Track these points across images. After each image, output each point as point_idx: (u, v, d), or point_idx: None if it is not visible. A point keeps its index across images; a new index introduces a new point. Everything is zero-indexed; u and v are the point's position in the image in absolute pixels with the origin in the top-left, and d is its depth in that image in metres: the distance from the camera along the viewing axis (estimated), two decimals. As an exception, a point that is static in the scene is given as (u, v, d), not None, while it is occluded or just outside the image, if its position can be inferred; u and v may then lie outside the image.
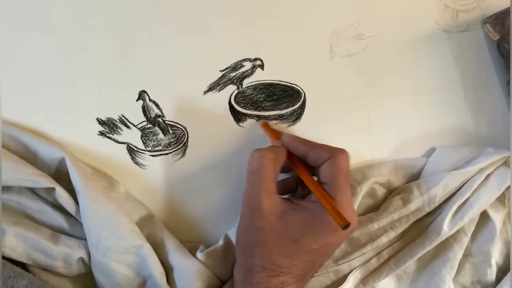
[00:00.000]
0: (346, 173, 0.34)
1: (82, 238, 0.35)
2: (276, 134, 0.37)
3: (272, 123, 0.39)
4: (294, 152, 0.35)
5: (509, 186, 0.38)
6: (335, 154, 0.34)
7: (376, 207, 0.40)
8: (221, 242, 0.38)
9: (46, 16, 0.38)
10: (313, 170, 0.36)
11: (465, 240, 0.39)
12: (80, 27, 0.38)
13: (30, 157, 0.35)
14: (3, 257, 0.32)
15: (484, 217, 0.39)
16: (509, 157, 0.39)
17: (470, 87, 0.42)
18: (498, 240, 0.39)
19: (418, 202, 0.38)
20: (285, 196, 0.36)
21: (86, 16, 0.38)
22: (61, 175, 0.35)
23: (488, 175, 0.38)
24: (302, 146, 0.35)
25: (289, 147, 0.35)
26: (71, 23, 0.38)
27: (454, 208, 0.38)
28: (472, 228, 0.39)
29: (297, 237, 0.33)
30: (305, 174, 0.34)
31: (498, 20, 0.40)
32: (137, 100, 0.38)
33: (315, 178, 0.35)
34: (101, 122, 0.37)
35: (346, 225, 0.31)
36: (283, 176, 0.38)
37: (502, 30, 0.40)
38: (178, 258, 0.35)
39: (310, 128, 0.40)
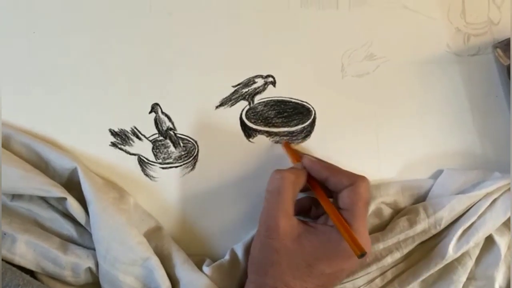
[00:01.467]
0: (366, 201, 0.34)
1: (91, 248, 0.35)
2: (297, 156, 0.38)
3: (282, 139, 0.40)
4: (315, 176, 0.36)
5: (514, 211, 0.38)
6: (357, 181, 0.34)
7: (382, 227, 0.40)
8: (227, 257, 0.38)
9: (62, 27, 0.38)
10: (331, 193, 0.36)
11: (470, 263, 0.39)
12: (94, 39, 0.39)
13: (42, 166, 0.36)
14: (13, 265, 0.33)
15: (489, 241, 0.39)
16: (516, 182, 0.40)
17: (478, 110, 0.43)
18: (502, 265, 0.39)
19: (425, 224, 0.38)
20: (303, 219, 0.36)
21: (100, 28, 0.39)
22: (72, 185, 0.35)
23: (494, 200, 0.39)
24: (324, 170, 0.36)
25: (310, 170, 0.36)
26: (86, 35, 0.38)
27: (460, 231, 0.38)
28: (477, 252, 0.39)
29: (312, 261, 0.33)
30: (324, 199, 0.35)
31: (509, 45, 0.41)
32: (150, 112, 0.38)
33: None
34: (113, 133, 0.38)
35: (362, 254, 0.31)
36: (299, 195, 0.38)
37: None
38: (185, 271, 0.35)
39: (319, 146, 0.40)
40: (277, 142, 0.40)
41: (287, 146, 0.39)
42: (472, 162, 0.42)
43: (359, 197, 0.34)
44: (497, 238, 0.39)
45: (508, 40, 0.41)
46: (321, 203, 0.35)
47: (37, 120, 0.37)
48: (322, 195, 0.35)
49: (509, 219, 0.39)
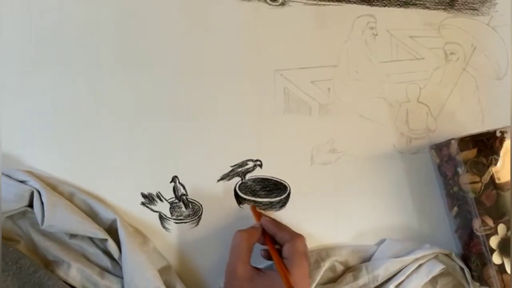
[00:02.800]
0: (301, 253, 0.45)
1: (120, 276, 0.49)
2: (259, 216, 0.50)
3: (263, 207, 0.54)
4: (268, 232, 0.48)
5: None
6: (294, 238, 0.46)
7: (335, 280, 0.52)
8: None
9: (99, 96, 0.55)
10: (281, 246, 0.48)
11: (400, 314, 0.51)
12: (130, 128, 0.54)
13: (92, 215, 0.50)
14: (66, 283, 0.47)
15: (416, 297, 0.51)
16: (440, 253, 0.52)
17: (417, 195, 0.56)
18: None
19: (365, 279, 0.51)
20: (255, 266, 0.47)
21: (135, 119, 0.55)
22: (112, 230, 0.50)
23: (420, 265, 0.51)
24: (273, 228, 0.47)
25: (265, 227, 0.48)
26: (121, 116, 0.55)
27: (392, 287, 0.50)
28: (406, 304, 0.51)
29: None
30: (272, 250, 0.46)
31: (439, 148, 0.55)
32: (170, 182, 0.53)
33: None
34: (144, 195, 0.53)
35: None
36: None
37: (441, 156, 0.54)
38: (184, 299, 0.49)
39: (292, 214, 0.54)
40: (262, 208, 0.54)
41: (253, 208, 0.51)
42: (410, 235, 0.55)
43: (296, 250, 0.45)
44: (422, 295, 0.51)
45: (440, 144, 0.54)
46: (270, 253, 0.47)
47: (91, 182, 0.52)
48: (270, 246, 0.47)
49: (436, 280, 0.51)
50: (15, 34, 0.54)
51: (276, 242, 0.48)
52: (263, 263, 0.50)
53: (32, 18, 0.54)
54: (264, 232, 0.48)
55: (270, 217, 0.50)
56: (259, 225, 0.49)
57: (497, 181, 0.50)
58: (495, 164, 0.50)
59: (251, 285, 0.45)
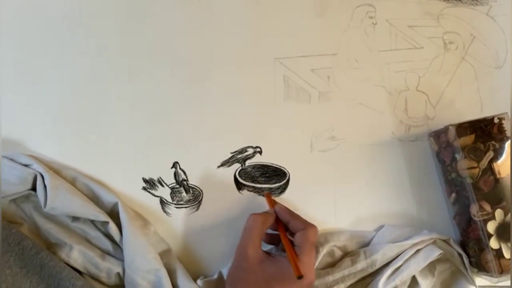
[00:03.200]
0: (312, 242, 0.46)
1: (121, 259, 0.50)
2: (272, 203, 0.51)
3: (263, 193, 0.55)
4: (281, 219, 0.49)
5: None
6: (307, 227, 0.47)
7: (333, 264, 0.53)
8: (215, 276, 0.51)
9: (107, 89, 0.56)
10: (292, 234, 0.49)
11: (398, 298, 0.51)
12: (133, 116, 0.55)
13: (94, 199, 0.51)
14: (68, 264, 0.48)
15: (414, 282, 0.51)
16: (438, 239, 0.52)
17: (415, 182, 0.56)
18: (424, 302, 0.51)
19: (363, 264, 0.51)
20: (267, 250, 0.49)
21: (139, 111, 0.56)
22: (113, 213, 0.51)
23: (418, 250, 0.51)
24: (287, 215, 0.48)
25: (278, 214, 0.49)
26: (125, 114, 0.56)
27: (389, 271, 0.50)
28: (404, 289, 0.51)
29: (269, 280, 0.45)
30: (283, 236, 0.47)
31: (437, 135, 0.55)
32: (171, 167, 0.54)
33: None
34: (145, 180, 0.54)
35: (299, 276, 0.43)
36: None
37: (439, 143, 0.55)
38: (184, 281, 0.49)
39: (291, 199, 0.54)
40: (260, 194, 0.55)
41: (268, 196, 0.52)
42: (408, 221, 0.55)
43: (307, 238, 0.46)
44: (420, 280, 0.51)
45: (438, 131, 0.55)
46: (281, 239, 0.48)
47: (95, 167, 0.53)
48: (282, 233, 0.48)
49: (433, 265, 0.52)
50: (21, 21, 0.55)
51: (287, 230, 0.49)
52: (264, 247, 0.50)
53: (38, 6, 0.55)
54: (277, 219, 0.49)
55: (283, 205, 0.51)
56: (273, 211, 0.49)
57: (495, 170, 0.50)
58: (493, 150, 0.50)
59: (260, 268, 0.45)
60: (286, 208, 0.51)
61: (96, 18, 0.56)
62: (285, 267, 0.45)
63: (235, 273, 0.47)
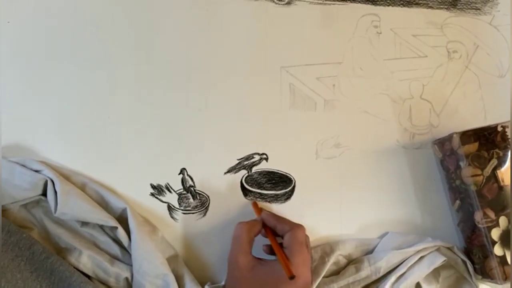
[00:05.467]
0: (301, 242, 0.46)
1: (129, 264, 0.50)
2: (259, 211, 0.52)
3: (269, 200, 0.55)
4: (268, 225, 0.50)
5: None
6: (294, 228, 0.47)
7: (337, 272, 0.53)
8: (223, 283, 0.52)
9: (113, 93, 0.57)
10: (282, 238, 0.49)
11: (402, 304, 0.51)
12: (139, 126, 0.56)
13: (104, 204, 0.52)
14: (77, 269, 0.49)
15: (419, 288, 0.52)
16: (441, 246, 0.53)
17: (420, 189, 0.57)
18: (429, 308, 0.51)
19: (367, 271, 0.52)
20: (257, 256, 0.48)
21: (146, 118, 0.57)
22: (122, 219, 0.51)
23: (422, 257, 0.52)
24: (272, 220, 0.49)
25: (265, 220, 0.50)
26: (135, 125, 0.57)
27: (393, 278, 0.51)
28: (408, 296, 0.52)
29: (262, 284, 0.45)
30: (272, 240, 0.48)
31: (441, 143, 0.56)
32: (179, 174, 0.55)
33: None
34: (153, 186, 0.54)
35: (291, 277, 0.44)
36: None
37: (443, 151, 0.55)
38: (192, 287, 0.50)
39: (297, 206, 0.55)
40: (266, 201, 0.55)
41: (255, 204, 0.53)
42: (413, 229, 0.56)
43: (295, 238, 0.46)
44: (424, 286, 0.51)
45: (443, 139, 0.55)
46: (270, 243, 0.49)
47: (103, 173, 0.54)
48: (270, 237, 0.48)
49: (438, 272, 0.52)
50: (30, 30, 0.56)
51: (277, 235, 0.50)
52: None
53: (47, 15, 0.56)
54: (264, 225, 0.50)
55: (269, 212, 0.52)
56: (259, 218, 0.51)
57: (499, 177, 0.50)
58: (496, 158, 0.51)
59: (252, 274, 0.46)
60: (272, 213, 0.51)
61: (106, 27, 0.57)
62: (277, 269, 0.46)
63: (231, 282, 0.47)
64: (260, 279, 0.46)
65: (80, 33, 0.57)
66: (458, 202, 0.54)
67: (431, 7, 0.60)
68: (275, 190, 0.55)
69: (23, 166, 0.51)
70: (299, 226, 0.48)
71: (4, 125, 0.54)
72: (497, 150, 0.51)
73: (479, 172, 0.51)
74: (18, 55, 0.56)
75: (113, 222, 0.50)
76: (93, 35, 0.57)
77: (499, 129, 0.52)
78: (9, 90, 0.55)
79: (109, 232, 0.52)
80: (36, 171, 0.51)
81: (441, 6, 0.60)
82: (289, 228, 0.48)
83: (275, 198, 0.55)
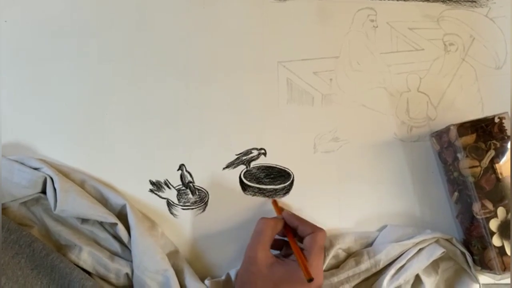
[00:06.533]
0: (321, 246, 0.47)
1: (129, 260, 0.51)
2: (280, 209, 0.52)
3: (268, 194, 0.55)
4: (289, 224, 0.50)
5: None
6: (316, 231, 0.48)
7: (337, 266, 0.53)
8: (223, 277, 0.52)
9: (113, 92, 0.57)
10: (300, 239, 0.50)
11: (402, 296, 0.52)
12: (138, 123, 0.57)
13: (103, 201, 0.52)
14: (78, 266, 0.49)
15: (418, 280, 0.52)
16: (440, 237, 0.53)
17: (418, 182, 0.57)
18: (429, 299, 0.52)
19: (367, 264, 0.52)
20: (276, 253, 0.50)
21: (145, 116, 0.57)
22: (121, 215, 0.52)
23: (421, 249, 0.52)
24: (295, 221, 0.50)
25: (286, 220, 0.50)
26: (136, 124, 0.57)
27: (393, 271, 0.51)
28: (408, 287, 0.52)
29: (278, 282, 0.45)
30: (292, 240, 0.48)
31: (439, 135, 0.56)
32: (178, 170, 0.55)
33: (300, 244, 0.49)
34: (152, 183, 0.55)
35: (310, 279, 0.44)
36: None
37: (441, 143, 0.55)
38: (192, 282, 0.50)
39: (296, 201, 0.55)
40: (265, 196, 0.55)
41: (274, 202, 0.53)
42: (411, 221, 0.56)
43: (316, 242, 0.47)
44: (424, 278, 0.51)
45: (440, 131, 0.56)
46: (290, 243, 0.49)
47: (102, 170, 0.54)
48: (291, 238, 0.49)
49: (437, 263, 0.52)
50: (32, 28, 0.56)
51: (295, 235, 0.50)
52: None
53: (45, 13, 0.56)
54: (285, 224, 0.50)
55: (290, 211, 0.52)
56: (281, 217, 0.51)
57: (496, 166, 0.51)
58: (494, 149, 0.51)
59: (269, 271, 0.46)
60: (293, 213, 0.52)
61: (104, 26, 0.57)
62: (294, 270, 0.46)
63: (244, 276, 0.47)
64: (276, 277, 0.46)
65: (79, 32, 0.57)
66: (456, 194, 0.54)
67: (427, 0, 0.60)
68: (274, 184, 0.56)
69: (22, 164, 0.51)
70: (321, 230, 0.48)
71: (2, 123, 0.54)
72: (494, 141, 0.51)
73: (477, 163, 0.51)
74: (16, 55, 0.56)
75: (112, 219, 0.50)
76: (92, 33, 0.57)
77: (496, 120, 0.52)
78: (7, 88, 0.55)
79: (109, 228, 0.52)
80: (35, 168, 0.51)
81: (437, -1, 0.60)
82: (311, 230, 0.48)
83: (274, 193, 0.55)
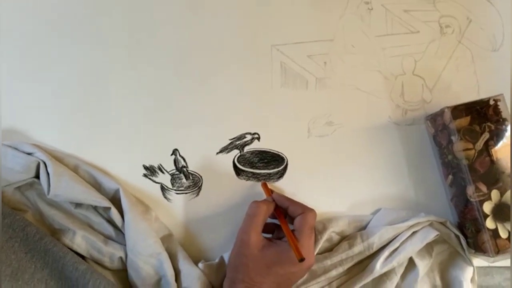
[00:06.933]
0: (311, 226, 0.48)
1: (123, 244, 0.51)
2: (269, 191, 0.52)
3: (262, 178, 0.55)
4: (280, 205, 0.50)
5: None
6: (306, 211, 0.48)
7: (331, 249, 0.53)
8: (217, 260, 0.52)
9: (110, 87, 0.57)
10: (291, 220, 0.50)
11: (395, 278, 0.51)
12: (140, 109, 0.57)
13: (96, 186, 0.52)
14: (71, 250, 0.49)
15: (412, 263, 0.52)
16: (434, 221, 0.53)
17: (413, 165, 0.56)
18: (421, 281, 0.51)
19: (360, 247, 0.52)
20: (267, 236, 0.50)
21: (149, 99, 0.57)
22: (115, 200, 0.52)
23: (415, 232, 0.52)
24: (286, 201, 0.50)
25: (277, 201, 0.50)
26: (137, 100, 0.57)
27: (386, 253, 0.51)
28: (402, 270, 0.52)
29: (270, 264, 0.46)
30: (283, 221, 0.49)
31: (434, 118, 0.55)
32: (171, 155, 0.55)
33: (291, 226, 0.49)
34: (145, 167, 0.55)
35: (301, 259, 0.44)
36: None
37: (435, 126, 0.55)
38: (185, 265, 0.50)
39: (289, 184, 0.55)
40: (259, 180, 0.55)
41: (264, 185, 0.53)
42: (406, 205, 0.55)
43: (306, 222, 0.47)
44: (417, 261, 0.51)
45: (435, 114, 0.55)
46: (280, 224, 0.49)
47: (95, 155, 0.54)
48: (282, 219, 0.49)
49: (431, 246, 0.52)
50: (23, 14, 0.56)
51: (286, 216, 0.50)
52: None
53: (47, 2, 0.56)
54: (275, 206, 0.50)
55: (280, 193, 0.52)
56: (271, 199, 0.51)
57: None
58: (488, 132, 0.51)
59: (261, 254, 0.47)
60: (283, 195, 0.52)
61: (98, 10, 0.57)
62: (286, 251, 0.46)
63: (237, 259, 0.48)
64: (268, 259, 0.46)
65: (72, 16, 0.56)
66: (450, 177, 0.54)
67: (423, -18, 0.59)
68: (268, 169, 0.55)
69: (15, 149, 0.51)
70: (311, 210, 0.49)
71: (-5, 109, 0.54)
72: (489, 123, 0.51)
73: (471, 146, 0.51)
74: (9, 41, 0.56)
75: (106, 203, 0.50)
76: (85, 17, 0.56)
77: (491, 102, 0.52)
78: (0, 75, 0.55)
79: (103, 213, 0.52)
80: (28, 153, 0.51)
81: (434, -20, 0.59)
82: (301, 210, 0.48)
83: (268, 177, 0.55)
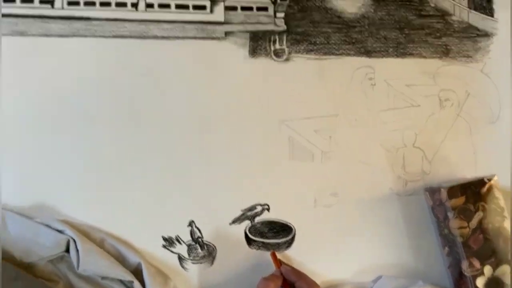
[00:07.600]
0: None
1: (145, 312, 0.56)
2: (278, 263, 0.56)
3: (271, 248, 0.60)
4: (288, 279, 0.54)
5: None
6: (311, 286, 0.53)
7: (335, 313, 0.58)
8: None
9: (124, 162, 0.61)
10: None
11: None
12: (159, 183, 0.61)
13: (120, 259, 0.57)
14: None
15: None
16: (432, 289, 0.57)
17: (413, 234, 0.60)
18: None
19: (362, 314, 0.56)
20: None
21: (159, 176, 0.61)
22: (137, 271, 0.56)
23: (412, 301, 0.56)
24: (293, 276, 0.54)
25: (285, 275, 0.54)
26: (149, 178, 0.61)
27: (386, 322, 0.56)
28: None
29: None
30: None
31: (432, 192, 0.59)
32: (188, 226, 0.60)
33: None
34: (164, 239, 0.59)
35: None
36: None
37: (433, 200, 0.59)
38: (201, 333, 0.55)
39: (297, 254, 0.59)
40: (269, 249, 0.60)
41: (274, 255, 0.57)
42: (405, 272, 0.59)
43: None
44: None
45: (433, 188, 0.59)
46: None
47: (121, 229, 0.59)
48: None
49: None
50: (43, 95, 0.60)
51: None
52: None
53: (54, 82, 0.60)
54: (283, 279, 0.54)
55: (290, 266, 0.56)
56: (279, 272, 0.55)
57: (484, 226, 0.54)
58: (482, 210, 0.54)
59: None
60: (292, 268, 0.56)
61: (110, 91, 0.60)
62: None
63: None
64: None
65: (86, 93, 0.60)
66: (447, 248, 0.58)
67: (424, 57, 0.63)
68: (277, 238, 0.60)
69: (48, 226, 0.56)
70: (316, 286, 0.53)
71: (27, 186, 0.59)
72: (483, 203, 0.54)
73: (465, 224, 0.54)
74: (35, 122, 0.60)
75: (129, 277, 0.55)
76: (101, 100, 0.60)
77: (486, 181, 0.55)
78: (32, 153, 0.60)
79: (127, 284, 0.57)
80: (59, 231, 0.56)
81: (434, 56, 0.63)
82: (307, 286, 0.52)
83: (277, 247, 0.60)
